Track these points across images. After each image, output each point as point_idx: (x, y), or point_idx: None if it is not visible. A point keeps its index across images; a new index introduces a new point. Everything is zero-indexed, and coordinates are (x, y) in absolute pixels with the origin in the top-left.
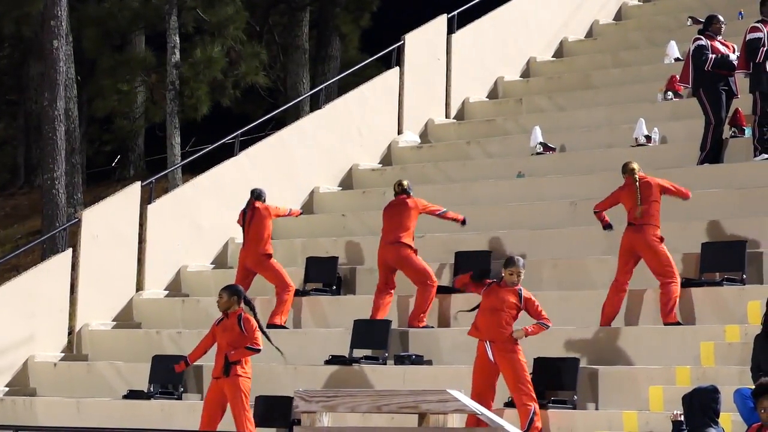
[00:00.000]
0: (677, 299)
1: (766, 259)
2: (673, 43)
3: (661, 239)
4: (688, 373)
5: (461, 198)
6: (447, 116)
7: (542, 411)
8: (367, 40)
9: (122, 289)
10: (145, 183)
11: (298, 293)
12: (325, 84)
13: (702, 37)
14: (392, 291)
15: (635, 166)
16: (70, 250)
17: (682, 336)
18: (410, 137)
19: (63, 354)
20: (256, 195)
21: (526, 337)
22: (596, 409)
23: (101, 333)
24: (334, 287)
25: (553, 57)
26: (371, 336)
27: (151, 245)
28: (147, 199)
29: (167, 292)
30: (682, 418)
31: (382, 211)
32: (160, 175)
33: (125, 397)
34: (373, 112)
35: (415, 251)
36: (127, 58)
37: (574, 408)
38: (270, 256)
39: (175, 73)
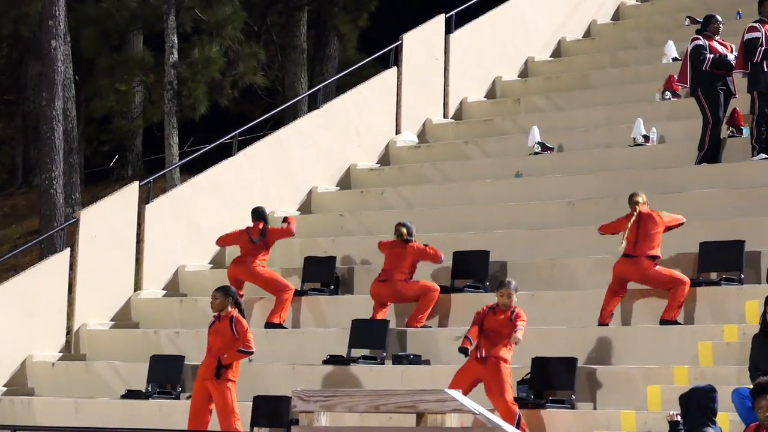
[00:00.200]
0: (683, 300)
1: (764, 259)
2: (671, 42)
3: (655, 264)
4: (686, 372)
5: (459, 198)
6: (445, 116)
7: (540, 411)
8: (365, 40)
9: (120, 289)
10: (143, 183)
11: (297, 293)
12: (323, 84)
13: (700, 36)
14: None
15: (640, 199)
16: (68, 249)
17: (680, 336)
18: (408, 137)
19: (61, 354)
20: (263, 216)
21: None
22: (594, 408)
23: (99, 333)
24: (332, 287)
25: (551, 57)
26: (369, 336)
27: (149, 245)
28: (145, 198)
29: (165, 291)
30: (679, 417)
31: (382, 247)
32: (158, 174)
33: (123, 396)
34: (371, 112)
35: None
36: (125, 58)
37: (572, 408)
38: (263, 267)
39: (173, 73)
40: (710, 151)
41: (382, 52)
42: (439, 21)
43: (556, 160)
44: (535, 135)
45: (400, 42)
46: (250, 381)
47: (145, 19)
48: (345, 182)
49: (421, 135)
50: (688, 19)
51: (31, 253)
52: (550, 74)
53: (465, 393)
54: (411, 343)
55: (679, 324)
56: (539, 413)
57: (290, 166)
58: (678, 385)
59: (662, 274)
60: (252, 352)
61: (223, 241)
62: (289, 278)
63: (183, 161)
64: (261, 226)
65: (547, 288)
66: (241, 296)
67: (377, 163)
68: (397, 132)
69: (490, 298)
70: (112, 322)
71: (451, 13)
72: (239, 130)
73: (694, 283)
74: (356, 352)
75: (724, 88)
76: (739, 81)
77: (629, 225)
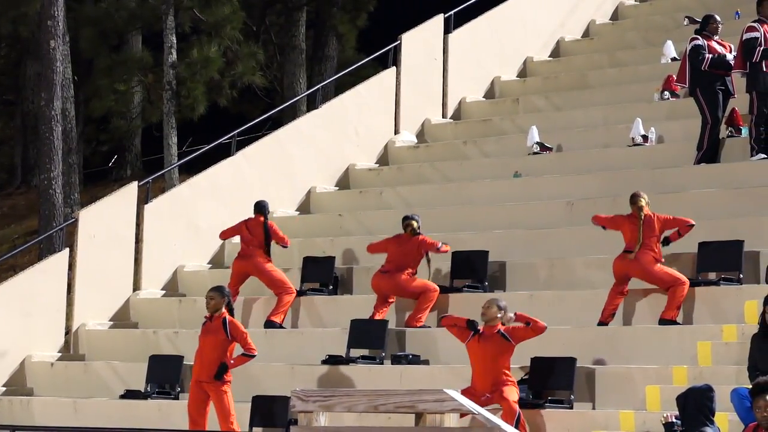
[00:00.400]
0: (682, 300)
1: (762, 259)
2: (669, 42)
3: (657, 259)
4: (685, 372)
5: (458, 198)
6: (444, 116)
7: (539, 411)
8: (363, 40)
9: (119, 289)
10: (142, 183)
11: (296, 293)
12: (322, 84)
13: (699, 36)
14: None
15: (643, 202)
16: (67, 249)
17: (679, 336)
18: (407, 137)
19: (60, 354)
20: (265, 209)
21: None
22: (593, 408)
23: (98, 333)
24: (331, 287)
25: (549, 57)
26: (368, 336)
27: (148, 245)
28: (144, 199)
29: (164, 292)
30: (673, 419)
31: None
32: (156, 175)
33: (122, 396)
34: (369, 112)
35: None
36: (124, 58)
37: (571, 408)
38: (270, 263)
39: (171, 73)
40: (709, 151)
41: (380, 52)
42: (437, 21)
43: (554, 160)
44: (534, 135)
45: (398, 42)
46: (249, 381)
47: (144, 19)
48: (344, 182)
49: (420, 135)
50: (686, 19)
51: (30, 253)
52: (548, 74)
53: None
54: (410, 343)
55: (678, 324)
56: (538, 413)
57: (289, 166)
58: (677, 385)
59: (664, 272)
60: (255, 356)
61: (225, 234)
62: (288, 278)
63: (182, 161)
64: (261, 220)
65: (546, 288)
66: (235, 298)
67: (376, 163)
68: (396, 132)
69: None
70: (111, 322)
71: (449, 13)
72: (238, 130)
73: (693, 283)
74: (355, 352)
75: (722, 88)
76: (738, 81)
77: (640, 229)
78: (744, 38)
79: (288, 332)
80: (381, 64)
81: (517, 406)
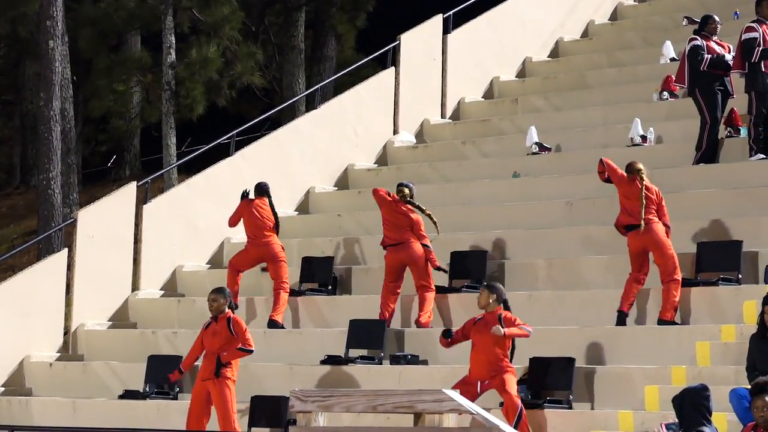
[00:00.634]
0: (677, 299)
1: (761, 259)
2: (668, 43)
3: (667, 233)
4: (683, 372)
5: (457, 198)
6: (443, 116)
7: (538, 411)
8: (362, 40)
9: (118, 289)
10: (140, 183)
11: (294, 293)
12: (321, 84)
13: (697, 37)
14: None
15: (645, 172)
16: (66, 250)
17: (677, 336)
18: (406, 137)
19: (59, 354)
20: (265, 190)
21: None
22: (592, 408)
23: (97, 333)
24: (330, 287)
25: (548, 57)
26: (367, 336)
27: (147, 245)
28: (143, 199)
29: (163, 292)
30: (664, 428)
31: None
32: (155, 175)
33: (121, 397)
34: (368, 112)
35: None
36: (123, 58)
37: (570, 408)
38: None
39: (170, 73)
40: (708, 151)
41: (379, 52)
42: (436, 21)
43: (553, 160)
44: (533, 135)
45: (397, 42)
46: (248, 381)
47: (143, 19)
48: (343, 182)
49: (419, 135)
50: (685, 20)
51: (28, 253)
52: (547, 74)
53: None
54: (409, 343)
55: (677, 324)
56: (537, 413)
57: (288, 167)
58: (675, 385)
59: (672, 255)
60: (252, 351)
61: (233, 220)
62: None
63: (181, 161)
64: (266, 201)
65: (545, 288)
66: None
67: (375, 163)
68: (395, 132)
69: None
70: (110, 323)
71: (448, 14)
72: (237, 131)
73: (692, 284)
74: (354, 353)
75: (721, 88)
76: (736, 81)
77: (643, 200)
78: (743, 38)
79: (287, 332)
80: (380, 65)
81: (519, 401)
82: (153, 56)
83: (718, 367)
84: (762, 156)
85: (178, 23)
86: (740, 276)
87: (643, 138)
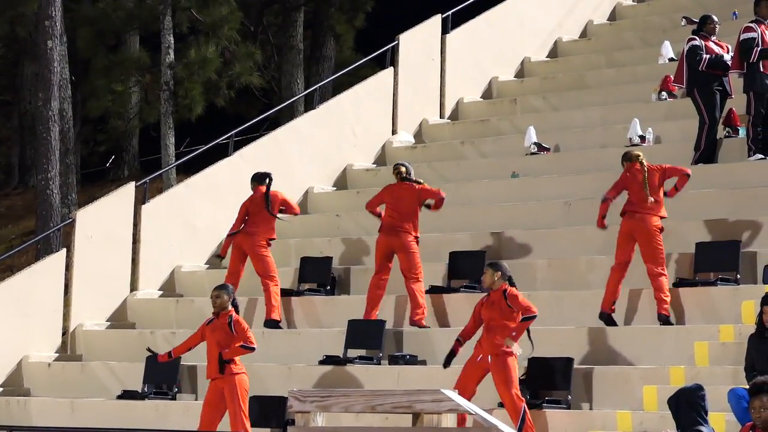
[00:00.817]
0: (667, 293)
1: (760, 259)
2: (667, 43)
3: (661, 229)
4: (682, 373)
5: (455, 198)
6: (441, 116)
7: (537, 411)
8: (361, 41)
9: (116, 290)
10: (139, 183)
11: (293, 293)
12: (320, 84)
13: (696, 37)
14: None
15: (642, 156)
16: (65, 250)
17: (676, 336)
18: (404, 137)
19: (57, 354)
20: (261, 179)
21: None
22: (590, 408)
23: (95, 333)
24: (329, 287)
25: (547, 57)
26: (365, 336)
27: (146, 245)
28: (141, 199)
29: (161, 292)
30: None
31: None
32: (154, 175)
33: (119, 397)
34: (367, 112)
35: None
36: (122, 58)
37: (569, 408)
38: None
39: (169, 73)
40: (706, 152)
41: (378, 52)
42: (435, 21)
43: (552, 160)
44: (532, 135)
45: (396, 42)
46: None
47: (142, 19)
48: (341, 182)
49: (418, 135)
50: (684, 20)
51: (27, 253)
52: (546, 74)
53: (473, 386)
54: (407, 343)
55: (672, 324)
56: (536, 413)
57: (287, 167)
58: (674, 385)
59: (660, 248)
60: (254, 349)
61: (235, 227)
62: (285, 278)
63: (179, 162)
64: (263, 191)
65: (544, 288)
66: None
67: (373, 163)
68: (394, 132)
69: None
70: (108, 323)
71: (447, 14)
72: (236, 131)
73: (691, 284)
74: (352, 353)
75: (720, 88)
76: (735, 81)
77: (645, 184)
78: (741, 38)
79: (285, 332)
80: (378, 65)
81: (522, 403)
82: (151, 56)
83: (717, 367)
84: (760, 156)
85: (177, 23)
86: (738, 276)
87: (642, 138)
